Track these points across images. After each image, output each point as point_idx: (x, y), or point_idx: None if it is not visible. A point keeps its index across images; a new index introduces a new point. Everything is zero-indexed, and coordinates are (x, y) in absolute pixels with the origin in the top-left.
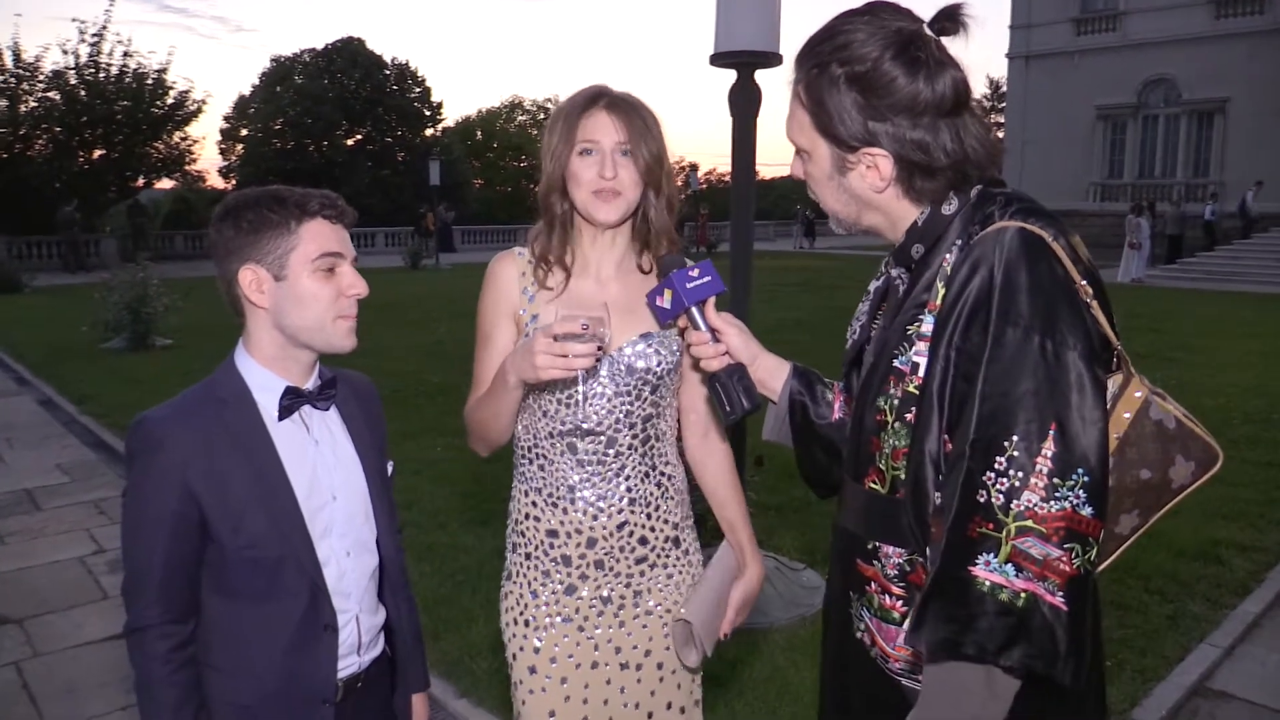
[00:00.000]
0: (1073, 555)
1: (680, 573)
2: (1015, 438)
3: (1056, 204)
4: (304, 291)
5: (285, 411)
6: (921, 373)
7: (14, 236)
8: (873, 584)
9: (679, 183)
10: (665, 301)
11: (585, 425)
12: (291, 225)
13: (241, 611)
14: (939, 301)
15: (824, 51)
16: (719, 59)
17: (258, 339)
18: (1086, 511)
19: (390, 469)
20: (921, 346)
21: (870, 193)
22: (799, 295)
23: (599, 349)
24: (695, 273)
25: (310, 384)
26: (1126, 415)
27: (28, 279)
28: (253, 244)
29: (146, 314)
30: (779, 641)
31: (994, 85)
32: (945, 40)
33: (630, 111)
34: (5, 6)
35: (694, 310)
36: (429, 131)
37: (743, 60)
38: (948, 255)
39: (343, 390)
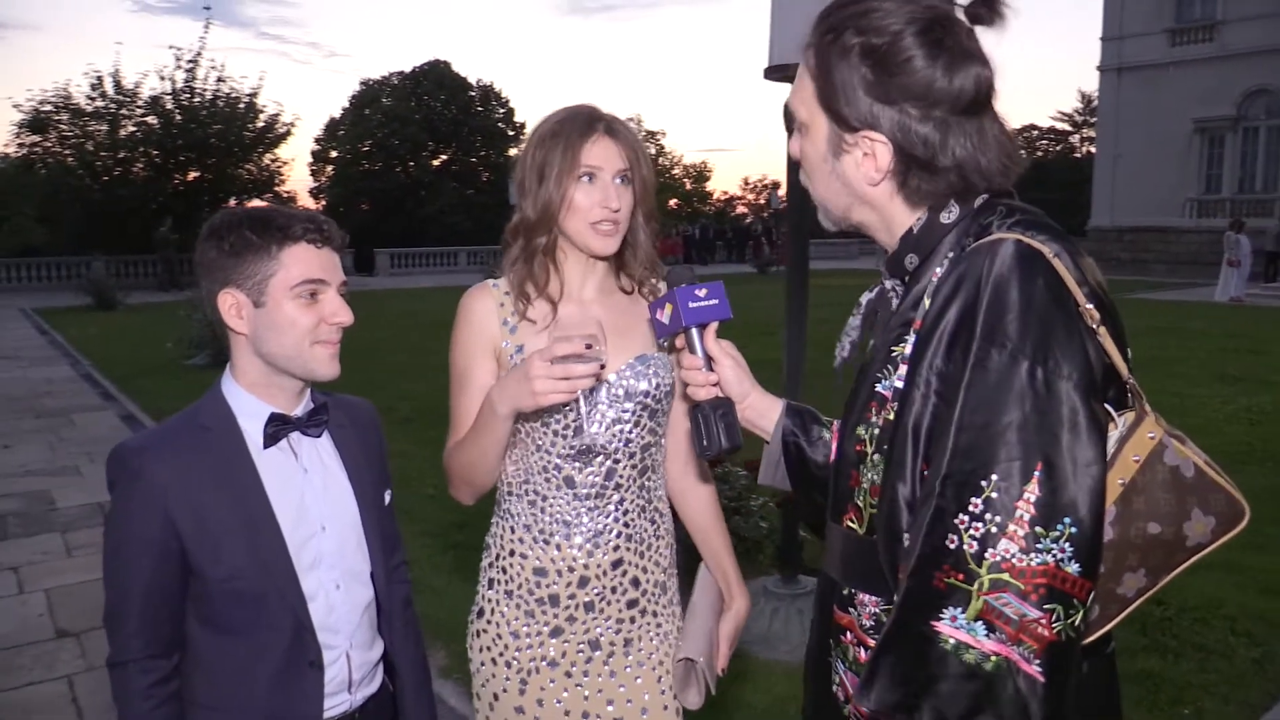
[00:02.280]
0: (1053, 618)
1: (668, 622)
2: (994, 477)
3: (1150, 220)
4: (282, 319)
5: (271, 439)
6: (899, 400)
7: (112, 255)
8: (848, 634)
9: (763, 200)
10: (664, 316)
11: (597, 443)
12: (273, 250)
13: (224, 645)
14: (922, 319)
15: (843, 17)
16: (773, 72)
17: (241, 364)
18: (1072, 569)
19: (389, 498)
20: (905, 371)
21: (864, 184)
22: None
23: (601, 367)
24: (702, 293)
25: (300, 410)
26: (1135, 459)
27: (123, 296)
28: (234, 267)
29: None
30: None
31: (1085, 99)
32: (980, 31)
33: (629, 137)
34: (107, 35)
35: (693, 332)
36: (513, 151)
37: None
38: (938, 269)
39: (337, 416)
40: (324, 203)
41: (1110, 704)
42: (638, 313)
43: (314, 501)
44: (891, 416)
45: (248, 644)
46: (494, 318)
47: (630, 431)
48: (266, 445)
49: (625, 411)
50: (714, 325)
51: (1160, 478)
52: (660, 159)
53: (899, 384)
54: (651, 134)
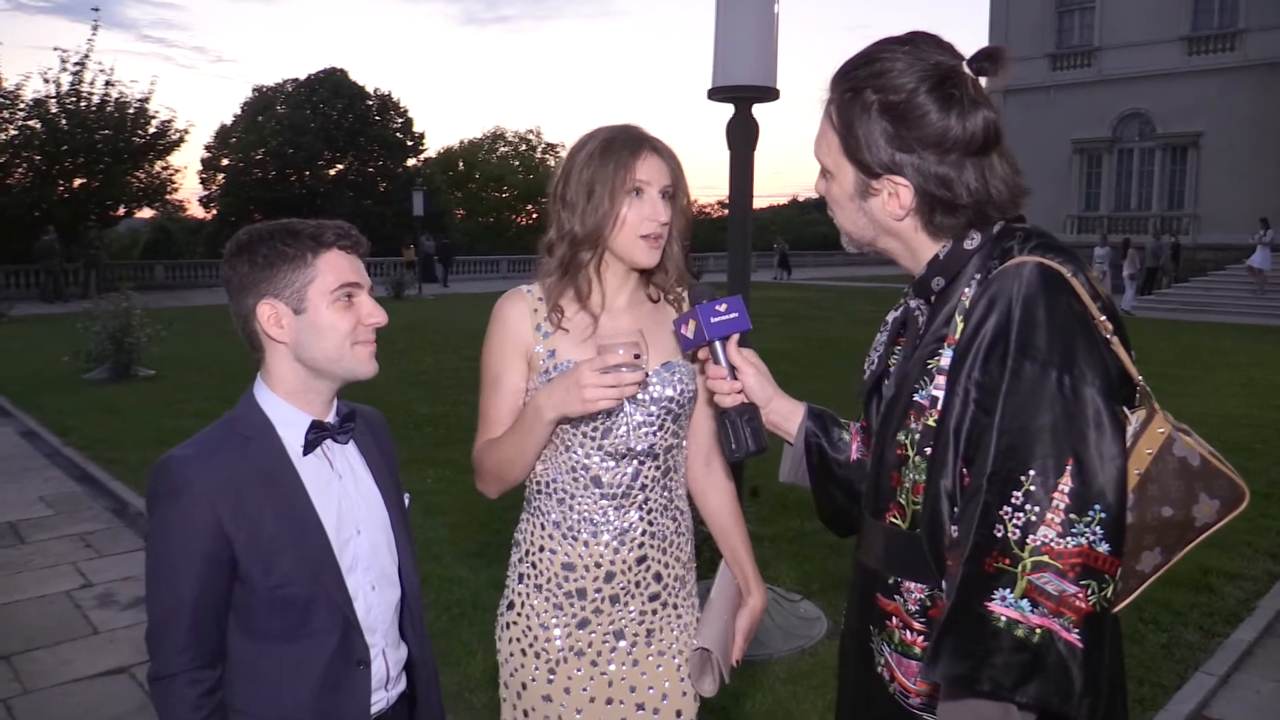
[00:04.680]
0: (1089, 592)
1: (688, 613)
2: (1032, 472)
3: None
4: (324, 323)
5: (310, 446)
6: (940, 407)
7: None
8: (893, 619)
9: None
10: (689, 331)
11: (637, 446)
12: (308, 258)
13: (270, 652)
14: (957, 335)
15: (860, 76)
16: (717, 93)
17: (278, 373)
18: (1103, 549)
19: (408, 500)
20: (941, 381)
21: (890, 220)
22: (782, 327)
23: (645, 374)
24: (722, 308)
25: (331, 417)
26: (1148, 451)
27: (6, 308)
28: (268, 279)
29: (129, 344)
30: (779, 673)
31: None
32: (982, 81)
33: (672, 155)
34: None
35: (716, 345)
36: (411, 162)
37: (741, 95)
38: (966, 289)
39: (358, 424)
40: (215, 212)
41: (1119, 665)
42: (663, 321)
43: (349, 506)
44: (931, 422)
45: (295, 649)
46: (527, 323)
47: (655, 435)
48: (306, 452)
49: (651, 416)
50: (735, 336)
51: (1170, 467)
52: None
53: (936, 393)
54: (551, 146)
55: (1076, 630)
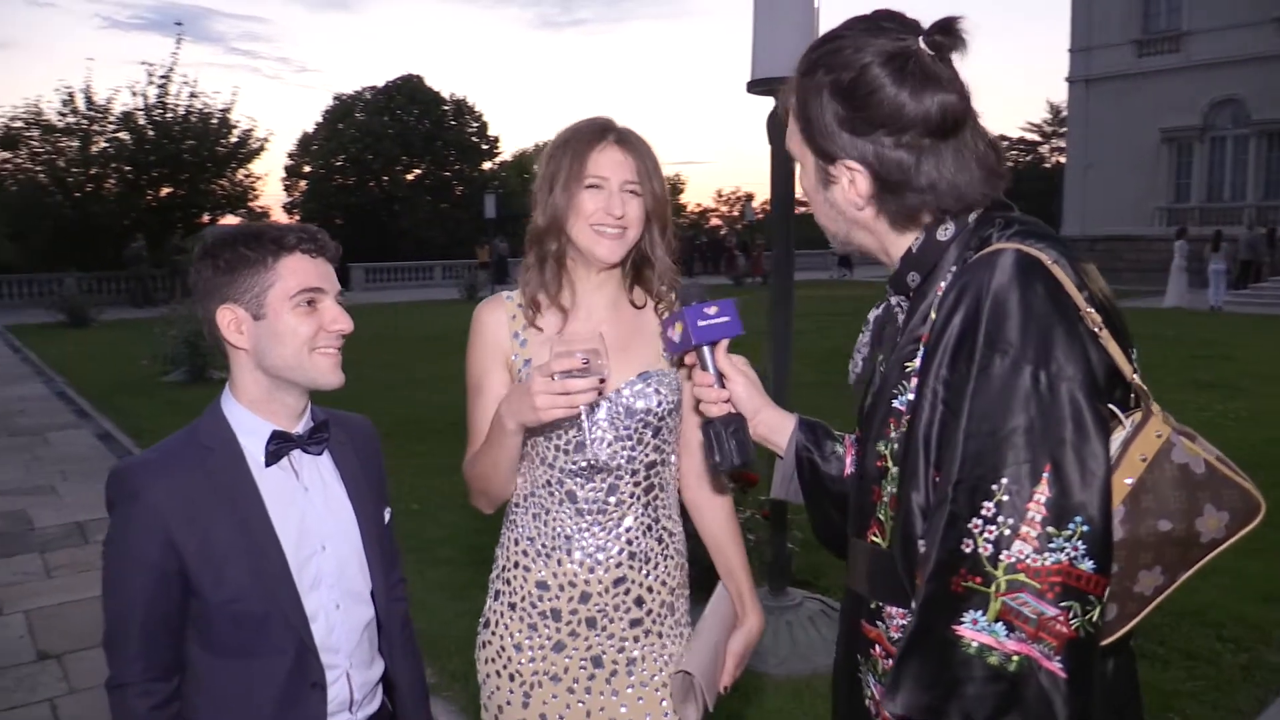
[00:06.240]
0: (1070, 615)
1: (674, 643)
2: (1004, 480)
3: (1121, 229)
4: (283, 329)
5: (272, 457)
6: (911, 412)
7: (84, 273)
8: (877, 647)
9: (736, 213)
10: (675, 334)
11: (597, 462)
12: (269, 261)
13: (226, 668)
14: (929, 332)
15: (815, 57)
16: (756, 85)
17: (242, 381)
18: (1086, 566)
19: (388, 515)
20: (916, 383)
21: (852, 210)
22: (853, 323)
23: (601, 381)
24: (712, 310)
25: (300, 427)
26: (1142, 458)
27: (95, 314)
28: (229, 283)
29: (204, 347)
30: (821, 689)
31: (1054, 109)
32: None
33: (639, 148)
34: (78, 51)
35: (705, 350)
36: (486, 165)
37: (780, 87)
38: (943, 283)
39: (337, 433)
40: (298, 217)
41: (1134, 697)
42: (643, 327)
43: (315, 521)
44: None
45: (250, 666)
46: (505, 330)
47: (634, 449)
48: (268, 463)
49: (627, 429)
50: (725, 342)
51: (1169, 475)
52: None
53: (912, 397)
54: None
55: (1059, 658)
